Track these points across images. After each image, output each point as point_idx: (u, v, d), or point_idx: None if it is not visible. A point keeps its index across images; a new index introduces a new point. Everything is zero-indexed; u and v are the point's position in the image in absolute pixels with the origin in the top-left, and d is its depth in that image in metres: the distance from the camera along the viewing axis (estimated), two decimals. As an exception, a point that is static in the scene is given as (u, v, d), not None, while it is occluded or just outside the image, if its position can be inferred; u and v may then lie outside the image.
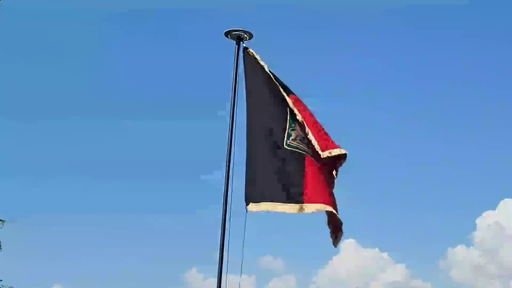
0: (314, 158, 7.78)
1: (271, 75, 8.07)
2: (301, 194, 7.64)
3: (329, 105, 24.91)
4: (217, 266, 7.72)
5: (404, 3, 26.96)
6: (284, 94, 7.99)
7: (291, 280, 23.72)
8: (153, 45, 26.32)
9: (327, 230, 8.14)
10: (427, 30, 27.33)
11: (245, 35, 8.13)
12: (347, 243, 24.35)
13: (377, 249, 24.28)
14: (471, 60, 26.74)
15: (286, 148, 7.81)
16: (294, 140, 7.85)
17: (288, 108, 7.95)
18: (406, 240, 24.73)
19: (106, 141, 25.85)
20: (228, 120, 8.14)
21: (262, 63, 8.11)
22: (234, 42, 8.16)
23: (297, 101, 8.01)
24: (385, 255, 24.27)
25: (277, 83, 8.06)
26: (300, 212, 7.65)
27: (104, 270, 22.72)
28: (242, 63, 8.17)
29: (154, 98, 26.27)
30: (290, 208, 7.64)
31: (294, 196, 7.64)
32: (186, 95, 26.08)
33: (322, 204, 7.63)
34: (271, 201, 7.65)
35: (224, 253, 7.76)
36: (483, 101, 26.55)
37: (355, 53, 27.04)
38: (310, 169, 7.75)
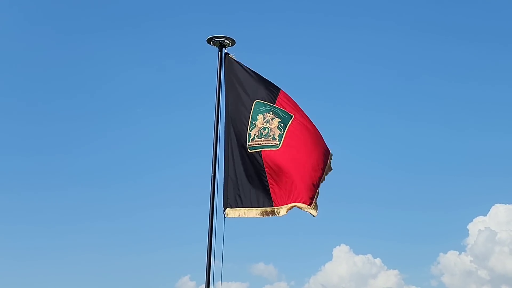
0: (273, 148, 7.89)
1: (251, 76, 8.21)
2: (269, 197, 7.75)
3: (313, 108, 25.04)
4: (210, 273, 7.76)
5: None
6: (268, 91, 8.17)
7: (283, 287, 23.75)
8: (133, 50, 26.15)
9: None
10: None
11: (228, 41, 8.25)
12: (340, 250, 24.44)
13: (369, 255, 24.35)
14: (463, 55, 26.72)
15: (249, 152, 7.95)
16: (253, 139, 7.97)
17: (252, 107, 8.10)
18: (399, 246, 24.78)
19: (91, 147, 25.66)
20: (213, 126, 8.25)
21: (240, 66, 8.23)
22: (217, 48, 8.30)
23: (285, 96, 8.18)
24: (377, 261, 24.32)
25: (258, 83, 8.20)
26: (272, 216, 7.72)
27: (93, 275, 22.68)
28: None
29: (137, 104, 26.19)
30: (262, 212, 7.71)
31: (264, 200, 7.76)
32: (169, 103, 26.00)
33: (291, 204, 7.72)
34: (246, 207, 7.75)
35: (211, 259, 7.83)
36: (475, 101, 26.55)
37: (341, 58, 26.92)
38: (270, 164, 7.83)
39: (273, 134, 7.92)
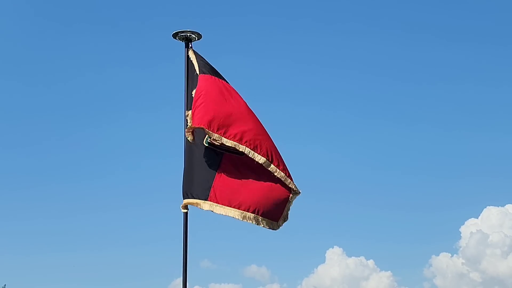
0: (237, 154, 7.71)
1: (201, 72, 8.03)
2: (208, 189, 7.60)
3: (304, 112, 25.11)
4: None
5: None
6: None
7: (276, 289, 23.78)
8: (104, 47, 26.11)
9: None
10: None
11: (194, 36, 8.15)
12: (332, 252, 24.45)
13: (362, 257, 24.36)
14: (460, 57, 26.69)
15: (204, 145, 7.76)
16: (215, 140, 7.73)
17: None
18: (392, 248, 24.84)
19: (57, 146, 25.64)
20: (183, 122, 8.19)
21: (194, 62, 8.07)
22: (183, 43, 8.23)
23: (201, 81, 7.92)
24: (370, 262, 24.34)
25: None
26: (209, 209, 7.60)
27: (84, 277, 22.72)
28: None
29: (105, 101, 26.16)
30: (202, 204, 7.61)
31: (203, 191, 7.62)
32: (137, 100, 25.99)
33: (226, 207, 7.57)
34: (192, 198, 7.64)
35: (187, 261, 7.81)
36: (467, 103, 26.52)
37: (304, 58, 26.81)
38: (227, 166, 7.69)
39: None
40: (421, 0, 26.76)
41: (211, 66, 8.06)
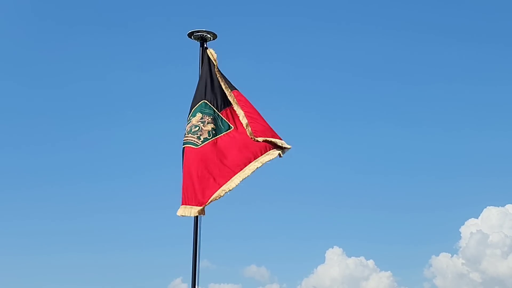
0: (193, 146, 7.80)
1: (215, 76, 8.14)
2: (182, 194, 7.68)
3: (298, 114, 25.09)
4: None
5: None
6: (226, 91, 8.08)
7: (275, 289, 23.73)
8: (117, 47, 25.94)
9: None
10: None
11: (209, 36, 8.20)
12: (332, 252, 24.46)
13: (362, 257, 24.37)
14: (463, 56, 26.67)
15: (182, 146, 7.90)
16: (184, 135, 7.88)
17: (197, 104, 8.04)
18: (392, 248, 24.81)
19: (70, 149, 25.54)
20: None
21: (213, 60, 8.17)
22: (198, 43, 8.25)
23: (239, 95, 8.08)
24: (370, 263, 24.33)
25: (221, 80, 8.14)
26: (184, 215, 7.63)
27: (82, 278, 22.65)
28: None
29: (118, 101, 26.02)
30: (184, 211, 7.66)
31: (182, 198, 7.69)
32: (151, 98, 25.85)
33: (195, 207, 7.56)
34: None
35: (197, 260, 7.82)
36: (467, 102, 26.51)
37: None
38: (189, 162, 7.73)
39: (200, 135, 7.84)
40: (421, 0, 26.76)
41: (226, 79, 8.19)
